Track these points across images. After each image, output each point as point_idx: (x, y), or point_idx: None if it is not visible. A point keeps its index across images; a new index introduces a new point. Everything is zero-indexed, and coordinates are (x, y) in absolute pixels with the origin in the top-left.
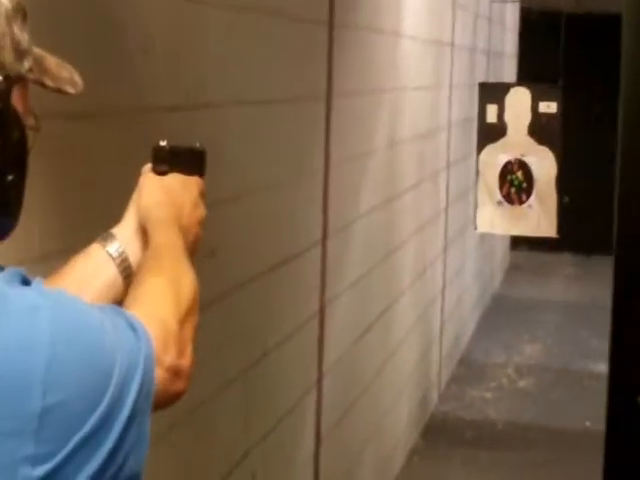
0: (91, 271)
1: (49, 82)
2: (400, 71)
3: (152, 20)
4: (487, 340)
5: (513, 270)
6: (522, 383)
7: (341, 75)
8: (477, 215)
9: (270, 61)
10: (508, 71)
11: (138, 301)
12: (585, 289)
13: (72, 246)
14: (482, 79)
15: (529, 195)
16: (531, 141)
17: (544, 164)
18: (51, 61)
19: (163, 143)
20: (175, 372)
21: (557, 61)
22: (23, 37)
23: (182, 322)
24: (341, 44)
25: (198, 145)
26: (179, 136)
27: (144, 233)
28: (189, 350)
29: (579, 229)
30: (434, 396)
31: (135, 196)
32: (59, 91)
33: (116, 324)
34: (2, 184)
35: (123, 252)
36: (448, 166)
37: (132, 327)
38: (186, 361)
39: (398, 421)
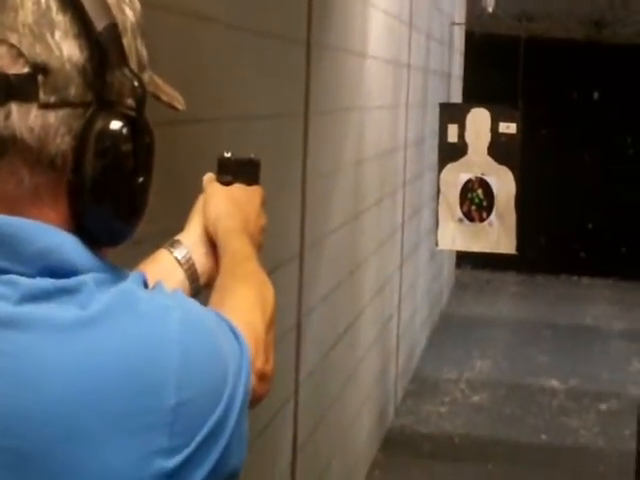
0: (161, 276)
1: (164, 97)
2: (365, 90)
3: (159, 33)
4: (438, 356)
5: (459, 288)
6: (475, 398)
7: (317, 93)
8: (438, 232)
9: (254, 77)
10: (455, 92)
11: (231, 308)
12: (531, 307)
13: None
14: (433, 99)
15: (489, 213)
16: (491, 160)
17: (504, 183)
18: (159, 79)
19: (228, 154)
20: (262, 377)
21: (502, 82)
22: (143, 51)
23: (267, 329)
24: (317, 63)
25: (253, 156)
26: (177, 149)
27: (209, 240)
28: (272, 356)
29: (523, 248)
30: (391, 410)
31: (200, 204)
32: (170, 106)
33: (222, 327)
34: (133, 186)
35: (190, 258)
36: (404, 184)
37: (233, 332)
38: (270, 366)
39: (360, 433)
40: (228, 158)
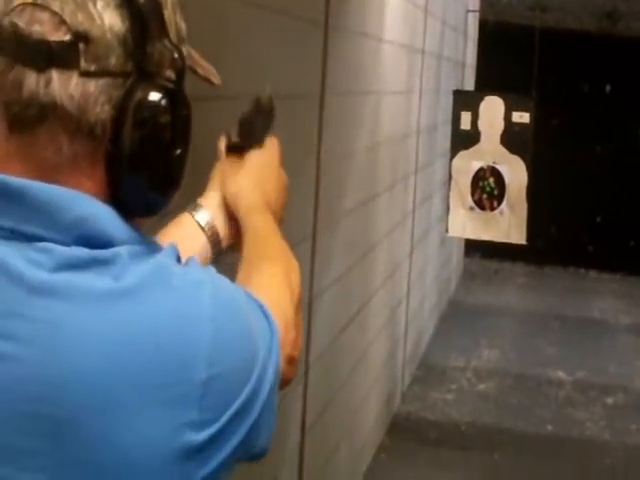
0: (183, 240)
1: (201, 70)
2: (381, 75)
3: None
4: (445, 344)
5: (467, 277)
6: (482, 386)
7: (334, 75)
8: (449, 219)
9: (272, 57)
10: (468, 80)
11: (258, 287)
12: (539, 298)
13: None
14: (447, 86)
15: (500, 202)
16: (503, 150)
17: (515, 172)
18: (195, 53)
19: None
20: (290, 359)
21: (514, 71)
22: (182, 25)
23: (296, 310)
24: (334, 45)
25: (262, 97)
26: (196, 125)
27: (227, 209)
28: (300, 339)
29: (533, 239)
30: (398, 396)
31: (217, 172)
32: (206, 80)
33: (252, 307)
34: (171, 157)
35: (213, 223)
36: (416, 170)
37: (263, 312)
38: (298, 349)
39: (368, 417)
40: (244, 118)
